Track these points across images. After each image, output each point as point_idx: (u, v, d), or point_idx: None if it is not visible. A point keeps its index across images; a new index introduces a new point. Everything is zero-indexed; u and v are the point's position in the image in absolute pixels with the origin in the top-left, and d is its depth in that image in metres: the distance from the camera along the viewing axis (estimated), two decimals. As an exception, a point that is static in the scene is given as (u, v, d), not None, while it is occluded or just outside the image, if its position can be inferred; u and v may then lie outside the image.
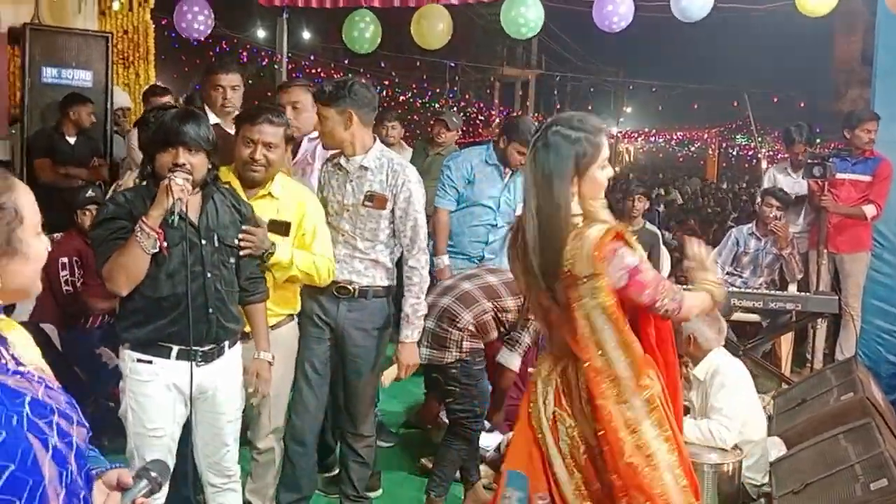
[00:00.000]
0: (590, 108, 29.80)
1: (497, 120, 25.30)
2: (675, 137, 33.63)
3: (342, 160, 3.43)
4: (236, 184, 3.18)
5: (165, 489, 2.36)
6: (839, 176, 5.64)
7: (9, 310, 1.50)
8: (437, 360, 3.70)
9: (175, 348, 2.77)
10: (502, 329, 3.87)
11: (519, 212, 3.72)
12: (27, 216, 1.42)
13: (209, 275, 2.80)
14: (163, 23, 8.68)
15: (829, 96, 24.28)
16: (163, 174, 2.71)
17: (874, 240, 5.55)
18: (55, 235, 4.43)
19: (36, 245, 1.44)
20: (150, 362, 2.78)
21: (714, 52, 26.66)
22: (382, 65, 21.45)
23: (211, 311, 2.80)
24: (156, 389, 2.79)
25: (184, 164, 2.69)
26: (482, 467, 4.06)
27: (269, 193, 3.23)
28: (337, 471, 3.95)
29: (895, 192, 5.48)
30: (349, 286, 3.41)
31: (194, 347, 2.77)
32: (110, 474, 1.59)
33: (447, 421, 3.95)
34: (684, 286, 2.80)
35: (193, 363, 2.78)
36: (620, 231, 2.41)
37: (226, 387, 2.92)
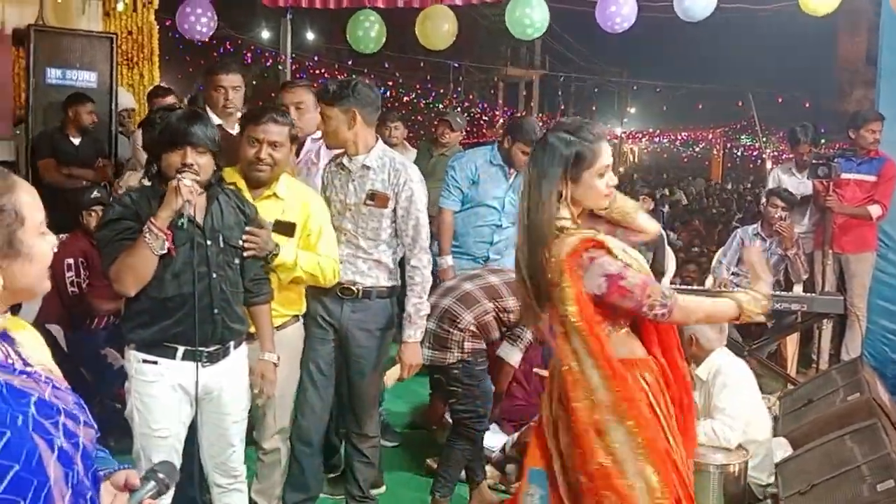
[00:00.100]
0: (594, 108, 29.85)
1: (501, 120, 25.30)
2: (679, 138, 33.59)
3: (345, 160, 3.44)
4: (242, 184, 3.18)
5: (172, 490, 2.36)
6: (844, 176, 5.63)
7: (14, 310, 1.50)
8: (438, 360, 3.70)
9: (180, 349, 2.78)
10: (504, 329, 3.87)
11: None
12: (28, 217, 1.40)
13: (214, 275, 2.80)
14: (167, 24, 8.68)
15: (834, 96, 24.27)
16: (170, 174, 2.71)
17: (879, 240, 5.53)
18: (61, 236, 4.43)
19: (39, 245, 1.43)
20: (155, 363, 2.78)
21: (718, 53, 26.66)
22: (386, 65, 21.43)
23: (216, 311, 2.80)
24: (161, 390, 2.79)
25: (192, 165, 2.70)
26: (487, 468, 4.06)
27: (275, 194, 3.23)
28: (341, 471, 3.96)
29: (900, 193, 5.47)
30: (353, 287, 3.41)
31: (200, 348, 2.77)
32: (118, 475, 1.58)
33: (452, 421, 3.95)
34: (695, 287, 2.80)
35: (199, 364, 2.78)
36: (599, 240, 2.42)
37: (231, 387, 2.92)
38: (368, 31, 6.76)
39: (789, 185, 6.05)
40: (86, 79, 6.60)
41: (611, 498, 2.36)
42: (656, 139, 35.03)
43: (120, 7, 7.77)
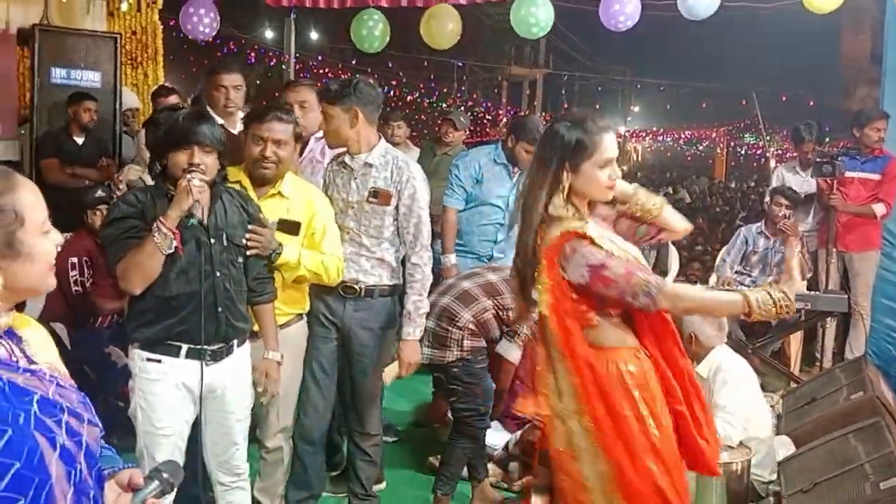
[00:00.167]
0: (597, 107, 29.76)
1: (505, 119, 25.24)
2: (683, 136, 33.49)
3: (347, 158, 3.44)
4: (247, 183, 3.19)
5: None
6: (848, 174, 5.62)
7: (18, 308, 1.49)
8: (438, 359, 3.70)
9: (184, 347, 2.79)
10: (504, 327, 3.86)
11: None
12: (28, 216, 1.39)
13: (218, 274, 2.81)
14: (171, 23, 8.69)
15: (838, 94, 24.18)
16: (176, 174, 2.72)
17: (884, 238, 5.51)
18: (65, 235, 4.44)
19: (41, 244, 1.42)
20: (159, 361, 2.79)
21: (721, 51, 26.57)
22: (390, 65, 21.42)
23: (220, 309, 2.81)
24: (165, 388, 2.80)
25: (199, 164, 2.71)
26: (490, 465, 4.06)
27: (279, 193, 3.24)
28: (343, 469, 3.96)
29: (904, 191, 5.45)
30: (355, 285, 3.41)
31: (203, 346, 2.78)
32: (122, 474, 1.59)
33: (453, 419, 3.96)
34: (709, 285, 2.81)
35: (203, 362, 2.79)
36: (582, 231, 2.41)
37: (235, 386, 2.93)
38: (372, 31, 6.76)
39: (793, 183, 6.04)
40: (90, 78, 6.61)
41: (567, 481, 2.49)
42: (660, 138, 34.95)
43: (124, 7, 7.77)
